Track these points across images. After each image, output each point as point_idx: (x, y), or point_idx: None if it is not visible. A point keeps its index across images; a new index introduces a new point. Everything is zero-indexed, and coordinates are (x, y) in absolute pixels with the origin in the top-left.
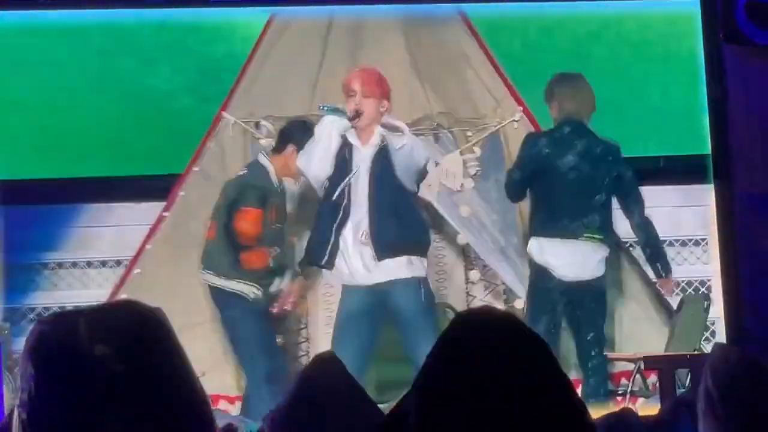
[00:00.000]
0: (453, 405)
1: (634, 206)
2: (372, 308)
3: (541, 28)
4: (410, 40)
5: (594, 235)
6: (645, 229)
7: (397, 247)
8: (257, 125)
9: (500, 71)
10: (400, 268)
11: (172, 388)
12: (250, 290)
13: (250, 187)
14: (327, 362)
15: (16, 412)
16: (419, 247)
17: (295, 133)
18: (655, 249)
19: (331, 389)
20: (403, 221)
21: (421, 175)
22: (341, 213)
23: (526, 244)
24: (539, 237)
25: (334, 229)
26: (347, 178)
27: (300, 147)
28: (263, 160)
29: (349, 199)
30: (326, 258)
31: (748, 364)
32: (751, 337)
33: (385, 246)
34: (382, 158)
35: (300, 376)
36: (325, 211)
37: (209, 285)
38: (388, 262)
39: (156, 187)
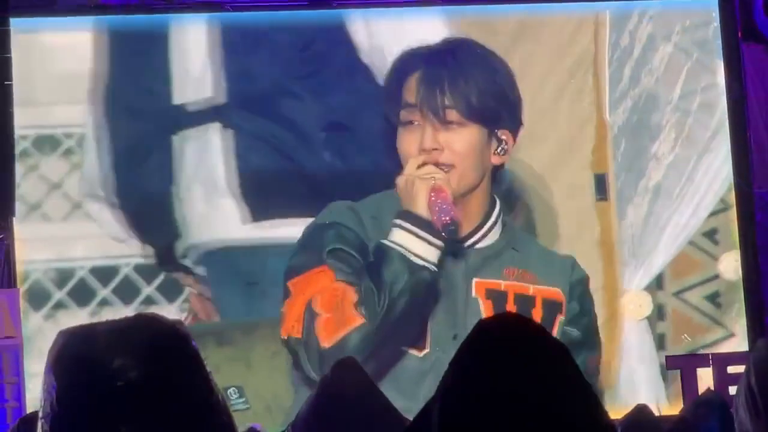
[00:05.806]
0: (475, 415)
1: None
2: None
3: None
4: None
5: None
6: None
7: None
8: None
9: None
10: None
11: (191, 399)
12: None
13: None
14: (348, 368)
15: (39, 424)
16: None
17: None
18: None
19: (352, 396)
20: None
21: None
22: None
23: None
24: None
25: None
26: None
27: None
28: None
29: None
30: None
31: None
32: None
33: None
34: None
35: (320, 382)
36: None
37: None
38: None
39: None
